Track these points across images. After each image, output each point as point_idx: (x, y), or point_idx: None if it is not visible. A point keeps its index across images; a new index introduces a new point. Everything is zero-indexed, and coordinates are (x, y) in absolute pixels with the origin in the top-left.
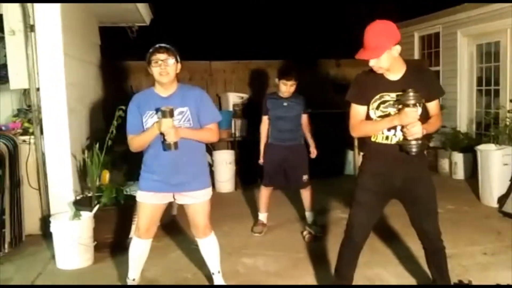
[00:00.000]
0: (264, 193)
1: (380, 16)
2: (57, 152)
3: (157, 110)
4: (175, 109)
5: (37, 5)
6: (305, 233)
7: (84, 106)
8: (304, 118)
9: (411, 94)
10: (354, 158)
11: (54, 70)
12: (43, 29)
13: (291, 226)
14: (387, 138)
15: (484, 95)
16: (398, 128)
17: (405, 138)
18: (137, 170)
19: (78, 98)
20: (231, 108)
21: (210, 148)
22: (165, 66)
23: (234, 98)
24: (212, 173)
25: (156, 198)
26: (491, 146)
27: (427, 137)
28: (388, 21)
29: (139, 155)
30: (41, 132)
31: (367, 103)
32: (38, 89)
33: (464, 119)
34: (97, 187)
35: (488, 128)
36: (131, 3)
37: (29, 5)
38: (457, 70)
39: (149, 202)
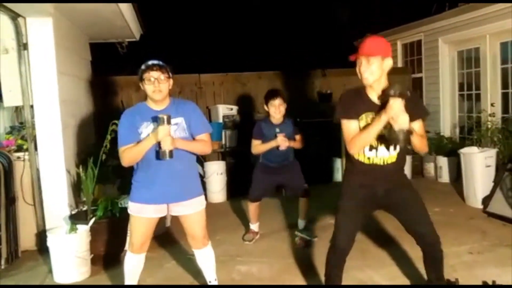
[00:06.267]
0: (251, 208)
1: (364, 26)
2: (52, 168)
3: (153, 118)
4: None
5: (29, 23)
6: (297, 239)
7: (76, 121)
8: (298, 137)
9: (393, 86)
10: (342, 166)
11: (48, 87)
12: (36, 47)
13: (282, 233)
14: (368, 159)
15: (466, 99)
16: (379, 148)
17: (392, 130)
18: (130, 184)
19: (71, 114)
20: (221, 120)
21: (201, 159)
22: (158, 84)
23: (223, 110)
24: (204, 184)
25: (149, 211)
26: (474, 149)
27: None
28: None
29: (132, 169)
30: (35, 149)
31: (357, 117)
32: (31, 106)
33: (447, 123)
34: (91, 201)
35: (471, 132)
36: (120, 18)
37: (22, 23)
38: (439, 76)
39: (142, 216)
